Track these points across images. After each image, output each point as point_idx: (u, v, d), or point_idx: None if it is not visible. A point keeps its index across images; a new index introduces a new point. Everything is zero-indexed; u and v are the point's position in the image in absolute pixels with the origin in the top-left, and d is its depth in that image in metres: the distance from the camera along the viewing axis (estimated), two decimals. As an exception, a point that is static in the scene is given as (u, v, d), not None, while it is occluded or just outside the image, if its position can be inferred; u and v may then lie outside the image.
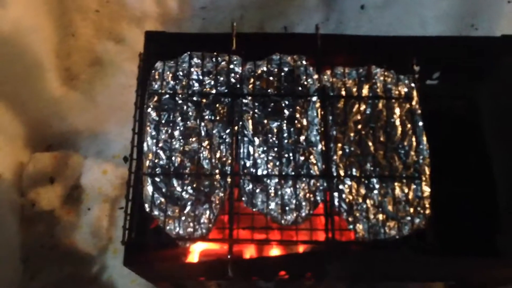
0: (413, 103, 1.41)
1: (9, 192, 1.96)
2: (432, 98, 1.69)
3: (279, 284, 1.55)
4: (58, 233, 2.03)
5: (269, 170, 1.33)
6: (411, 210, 1.30)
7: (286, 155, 1.34)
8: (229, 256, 1.25)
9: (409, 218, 1.29)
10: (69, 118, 2.06)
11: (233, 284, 1.68)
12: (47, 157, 2.06)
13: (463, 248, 1.31)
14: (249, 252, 1.47)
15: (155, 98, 1.39)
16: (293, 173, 1.32)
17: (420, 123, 1.38)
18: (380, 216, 1.30)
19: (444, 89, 1.76)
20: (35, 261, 2.00)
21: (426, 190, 1.32)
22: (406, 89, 1.43)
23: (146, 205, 1.30)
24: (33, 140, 2.07)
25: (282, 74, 1.43)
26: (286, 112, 1.39)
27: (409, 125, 1.39)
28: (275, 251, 1.46)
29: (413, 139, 1.37)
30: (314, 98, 1.40)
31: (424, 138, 1.37)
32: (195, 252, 1.46)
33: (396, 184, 1.32)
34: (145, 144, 1.35)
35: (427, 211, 1.30)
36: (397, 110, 1.40)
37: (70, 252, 2.02)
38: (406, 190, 1.32)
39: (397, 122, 1.39)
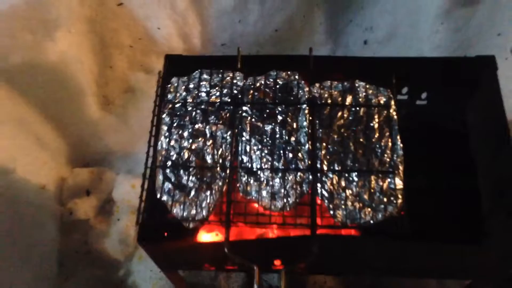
0: (391, 110, 1.61)
1: (50, 201, 2.24)
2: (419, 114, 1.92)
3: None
4: (91, 240, 2.27)
5: (263, 164, 1.55)
6: (385, 199, 1.48)
7: (278, 152, 1.56)
8: (225, 236, 1.47)
9: (382, 206, 1.48)
10: (105, 138, 2.35)
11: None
12: (85, 173, 2.35)
13: (434, 235, 1.47)
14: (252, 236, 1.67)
15: (170, 106, 1.65)
16: (283, 167, 1.54)
17: (396, 127, 1.58)
18: (357, 204, 1.49)
19: (433, 108, 1.95)
20: (70, 264, 2.24)
21: (399, 183, 1.50)
22: (385, 99, 1.64)
23: (157, 192, 1.54)
24: (73, 158, 2.37)
25: (277, 86, 1.66)
26: (279, 117, 1.61)
27: (386, 129, 1.58)
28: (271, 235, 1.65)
29: (389, 140, 1.56)
30: (304, 106, 1.62)
31: (399, 139, 1.56)
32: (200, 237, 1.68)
33: (372, 177, 1.51)
34: (159, 143, 1.60)
35: (399, 201, 1.48)
36: (376, 116, 1.60)
37: (101, 257, 2.26)
38: (381, 183, 1.51)
39: (376, 126, 1.59)
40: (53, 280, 2.17)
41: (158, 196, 1.53)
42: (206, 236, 1.67)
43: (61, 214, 2.28)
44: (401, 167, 1.53)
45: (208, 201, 1.51)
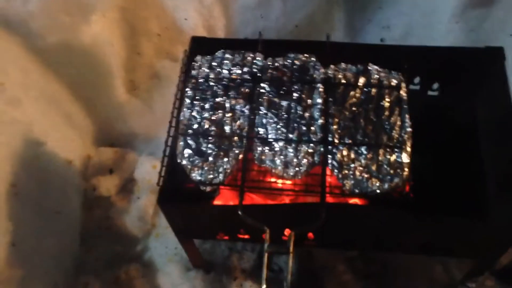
0: (401, 92, 1.71)
1: (76, 176, 2.36)
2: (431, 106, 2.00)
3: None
4: (112, 216, 2.38)
5: (278, 136, 1.65)
6: (392, 171, 1.57)
7: (292, 125, 1.65)
8: (239, 200, 1.56)
9: (389, 177, 1.56)
10: (129, 121, 2.48)
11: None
12: (109, 152, 2.47)
13: (437, 207, 1.55)
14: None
15: (193, 81, 1.77)
16: (296, 138, 1.64)
17: (405, 106, 1.67)
18: (365, 175, 1.57)
19: (444, 98, 2.04)
20: (91, 238, 2.34)
21: (406, 157, 1.58)
22: (396, 81, 1.73)
23: (178, 157, 1.65)
24: (99, 137, 2.50)
25: (295, 67, 1.77)
26: (295, 94, 1.71)
27: (396, 108, 1.67)
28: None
29: (398, 118, 1.65)
30: (319, 85, 1.72)
31: (408, 117, 1.64)
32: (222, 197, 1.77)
33: (380, 151, 1.60)
34: (181, 113, 1.72)
35: (405, 173, 1.56)
36: (387, 97, 1.69)
37: (120, 233, 2.36)
38: (388, 156, 1.59)
39: (386, 105, 1.68)
40: (75, 251, 2.28)
41: (178, 160, 1.64)
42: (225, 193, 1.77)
43: (85, 189, 2.39)
44: (408, 143, 1.61)
45: (224, 167, 1.62)
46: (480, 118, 1.98)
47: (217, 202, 1.75)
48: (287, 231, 1.71)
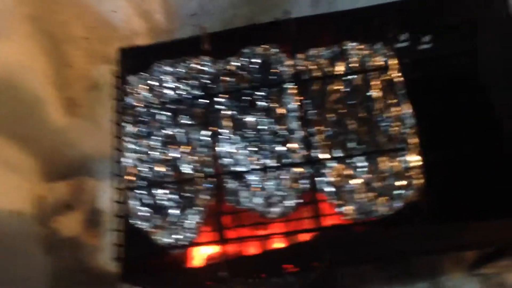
0: (392, 71, 1.34)
1: (31, 225, 2.01)
2: (426, 62, 1.63)
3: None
4: (84, 257, 2.07)
5: (251, 165, 1.30)
6: (400, 183, 1.24)
7: (266, 147, 1.31)
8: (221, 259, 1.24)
9: (399, 191, 1.24)
10: (77, 145, 2.10)
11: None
12: (62, 186, 2.11)
13: (462, 214, 1.24)
14: (253, 250, 1.46)
15: (130, 111, 1.40)
16: (274, 164, 1.29)
17: (402, 91, 1.32)
18: (369, 194, 1.24)
19: (439, 50, 1.67)
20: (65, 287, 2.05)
21: (414, 159, 1.25)
22: (383, 59, 1.36)
23: (132, 219, 1.30)
24: (48, 172, 2.12)
25: (254, 66, 1.40)
26: (262, 104, 1.35)
27: (390, 95, 1.32)
28: (277, 245, 1.43)
29: (396, 108, 1.30)
30: (288, 85, 1.36)
31: (408, 106, 1.30)
32: (199, 256, 1.47)
33: (381, 158, 1.27)
34: (126, 159, 1.35)
35: (418, 181, 1.24)
36: (376, 82, 1.34)
37: (98, 274, 2.05)
38: (392, 163, 1.26)
39: (377, 95, 1.33)
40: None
41: (134, 223, 1.30)
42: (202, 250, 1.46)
43: (46, 236, 2.05)
44: (415, 139, 1.27)
45: (194, 220, 1.28)
46: (489, 64, 1.61)
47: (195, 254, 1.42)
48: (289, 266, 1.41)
